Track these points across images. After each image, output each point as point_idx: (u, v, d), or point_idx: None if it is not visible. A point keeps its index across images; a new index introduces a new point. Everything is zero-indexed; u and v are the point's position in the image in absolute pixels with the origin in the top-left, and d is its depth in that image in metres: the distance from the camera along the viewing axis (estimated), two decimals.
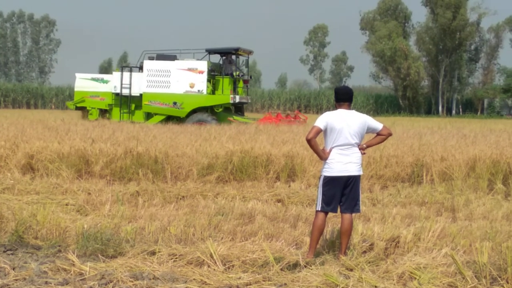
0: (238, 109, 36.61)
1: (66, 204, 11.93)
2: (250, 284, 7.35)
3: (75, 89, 36.57)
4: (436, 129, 28.36)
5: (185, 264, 7.99)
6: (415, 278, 7.53)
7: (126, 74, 35.12)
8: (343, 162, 8.47)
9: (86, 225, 9.35)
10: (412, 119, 59.57)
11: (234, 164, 15.44)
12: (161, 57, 35.60)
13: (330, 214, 9.31)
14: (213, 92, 34.21)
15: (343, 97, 8.74)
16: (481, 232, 9.86)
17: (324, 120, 8.55)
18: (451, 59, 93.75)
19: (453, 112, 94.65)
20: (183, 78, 33.84)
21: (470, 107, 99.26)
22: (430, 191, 14.01)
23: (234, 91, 34.33)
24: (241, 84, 35.59)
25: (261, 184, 14.72)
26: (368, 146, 8.85)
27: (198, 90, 33.65)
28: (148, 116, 34.71)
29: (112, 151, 15.72)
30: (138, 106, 35.02)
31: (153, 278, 7.43)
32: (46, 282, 7.26)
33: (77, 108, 36.52)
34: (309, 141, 8.46)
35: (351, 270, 7.88)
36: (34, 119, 31.34)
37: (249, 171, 15.38)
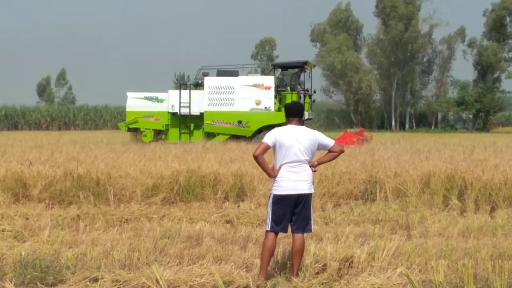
0: None
1: (2, 230, 11.72)
2: None
3: (127, 109, 35.84)
4: (389, 144, 28.67)
5: None
6: None
7: (185, 92, 34.46)
8: (293, 180, 8.50)
9: (24, 252, 9.22)
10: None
11: (181, 185, 15.38)
12: (223, 73, 34.85)
13: (281, 235, 9.32)
14: (279, 109, 33.33)
15: (293, 113, 8.81)
16: (436, 249, 9.98)
17: (272, 136, 8.59)
18: (403, 72, 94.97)
19: (407, 126, 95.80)
20: (249, 95, 33.02)
21: (423, 121, 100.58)
22: (384, 208, 14.14)
23: None
24: (307, 99, 34.75)
25: (209, 204, 14.68)
26: (319, 163, 8.90)
27: (265, 107, 32.89)
28: (209, 136, 33.84)
29: (51, 173, 15.52)
30: (197, 126, 34.27)
31: None
32: None
33: (129, 130, 35.75)
34: (256, 158, 8.47)
35: None
36: None
37: (196, 192, 15.33)
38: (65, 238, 10.69)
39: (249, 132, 32.94)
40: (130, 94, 35.98)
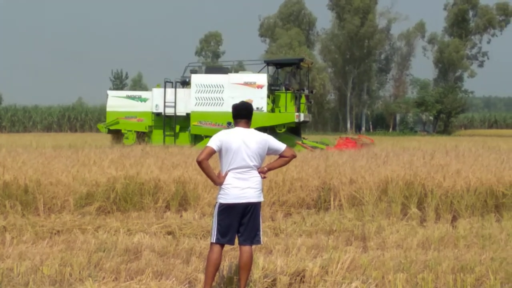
0: (295, 130, 35.18)
1: None
2: None
3: (107, 109, 35.45)
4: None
5: None
6: None
7: (170, 91, 34.00)
8: (241, 188, 8.50)
9: None
10: (318, 138, 60.34)
11: (118, 193, 15.28)
12: (212, 70, 34.91)
13: (228, 247, 9.33)
14: (273, 110, 33.23)
15: (241, 114, 8.80)
16: (394, 262, 10.08)
17: (218, 139, 8.58)
18: (359, 70, 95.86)
19: (363, 128, 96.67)
20: (239, 94, 32.01)
21: (381, 123, 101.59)
22: (339, 218, 14.23)
23: (298, 108, 33.33)
24: (303, 100, 34.45)
25: (148, 214, 14.62)
26: (269, 169, 8.90)
27: (257, 108, 31.96)
28: (196, 139, 33.49)
29: None
30: (184, 128, 33.91)
31: None
32: None
33: (110, 132, 35.32)
34: (200, 163, 8.45)
35: None
36: None
37: (134, 200, 15.25)
38: None
39: None
40: (110, 93, 35.90)
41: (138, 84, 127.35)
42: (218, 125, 32.50)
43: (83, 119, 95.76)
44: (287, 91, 33.68)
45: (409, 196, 15.48)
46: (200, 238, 12.34)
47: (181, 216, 14.55)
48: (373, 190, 15.59)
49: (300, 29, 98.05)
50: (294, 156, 8.98)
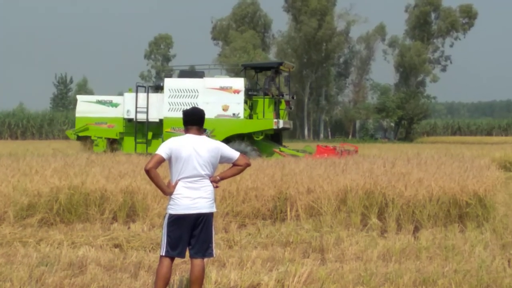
0: (275, 137, 34.93)
1: None
2: None
3: (77, 115, 34.86)
4: (301, 156, 28.92)
5: None
6: None
7: (142, 95, 33.52)
8: (192, 198, 8.49)
9: None
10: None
11: (61, 203, 15.17)
12: (186, 73, 34.23)
13: (178, 260, 9.30)
14: (250, 116, 32.88)
15: (192, 120, 8.80)
16: (354, 275, 10.13)
17: (167, 147, 8.55)
18: (317, 74, 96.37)
19: (321, 135, 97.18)
20: (214, 99, 32.17)
21: (340, 130, 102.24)
22: (296, 229, 14.27)
23: (277, 114, 33.00)
24: (283, 105, 34.20)
25: (94, 226, 14.54)
26: (222, 179, 8.91)
27: (233, 114, 32.14)
28: None
29: None
30: (156, 135, 33.32)
31: None
32: None
33: (79, 138, 34.81)
34: (148, 172, 8.42)
35: None
36: None
37: (79, 211, 15.16)
38: None
39: None
40: (80, 98, 35.53)
41: (83, 89, 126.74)
42: None
43: (24, 125, 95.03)
44: (265, 96, 33.40)
45: (369, 206, 15.55)
46: (149, 251, 12.28)
47: (129, 228, 14.49)
48: (332, 200, 15.65)
49: (255, 31, 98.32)
50: (248, 165, 8.99)
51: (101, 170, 17.86)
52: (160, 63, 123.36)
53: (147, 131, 33.60)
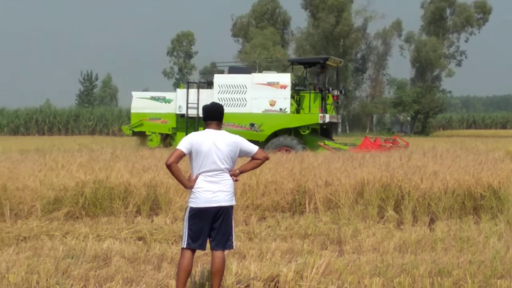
0: (325, 131, 34.67)
1: None
2: None
3: (132, 111, 35.19)
4: (320, 150, 28.86)
5: None
6: None
7: (193, 91, 33.62)
8: (212, 191, 8.50)
9: None
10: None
11: (87, 197, 15.23)
12: (235, 70, 34.34)
13: (199, 252, 9.31)
14: (297, 111, 32.73)
15: (211, 115, 8.80)
16: (370, 266, 10.10)
17: (188, 142, 8.57)
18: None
19: (339, 130, 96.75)
20: (262, 95, 32.08)
21: (358, 124, 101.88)
22: (314, 221, 14.26)
23: (323, 109, 32.75)
24: (330, 100, 33.84)
25: (118, 219, 14.57)
26: (241, 172, 8.92)
27: (280, 109, 31.95)
28: None
29: None
30: None
31: None
32: None
33: (134, 134, 35.17)
34: (169, 166, 8.45)
35: None
36: None
37: (104, 205, 15.20)
38: None
39: (262, 136, 32.09)
40: (135, 94, 35.53)
41: (108, 86, 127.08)
42: (241, 126, 32.04)
43: (51, 121, 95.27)
44: (311, 92, 33.17)
45: (386, 199, 15.52)
46: (172, 244, 12.30)
47: (152, 221, 14.51)
48: (349, 193, 15.63)
49: (274, 28, 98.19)
50: (266, 158, 8.99)
51: (125, 165, 17.91)
52: (182, 60, 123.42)
53: (198, 126, 33.47)
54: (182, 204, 14.89)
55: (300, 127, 32.36)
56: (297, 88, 33.54)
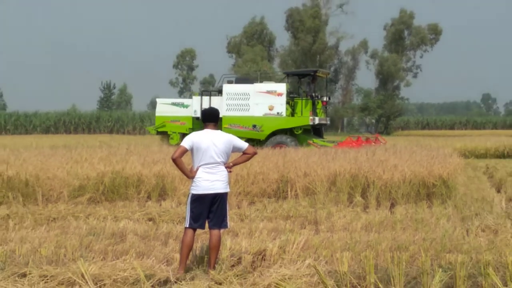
0: (317, 131, 34.87)
1: None
2: None
3: (156, 114, 35.20)
4: (300, 147, 28.83)
5: (57, 285, 7.80)
6: None
7: (206, 98, 33.60)
8: (210, 180, 8.52)
9: None
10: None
11: (106, 185, 15.22)
12: (240, 80, 34.52)
13: (199, 231, 9.31)
14: (292, 114, 32.87)
15: (209, 118, 8.86)
16: (341, 243, 10.12)
17: (190, 140, 8.61)
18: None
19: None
20: (263, 101, 32.35)
21: (331, 125, 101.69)
22: (295, 206, 14.27)
23: (313, 112, 33.04)
24: (319, 105, 34.20)
25: (132, 203, 14.57)
26: (234, 164, 8.95)
27: (278, 113, 32.19)
28: None
29: None
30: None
31: None
32: None
33: (158, 133, 35.32)
34: (174, 160, 8.48)
35: (220, 284, 7.91)
36: None
37: (120, 192, 15.20)
38: None
39: (262, 135, 32.35)
40: (159, 100, 35.65)
41: (124, 93, 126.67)
42: (245, 127, 32.38)
43: (76, 123, 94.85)
44: (303, 98, 33.40)
45: (354, 187, 15.55)
46: (177, 224, 12.30)
47: (160, 205, 14.51)
48: (324, 182, 15.65)
49: (262, 46, 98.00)
50: (255, 153, 9.04)
51: (138, 158, 17.86)
52: (185, 72, 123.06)
53: None
54: (185, 191, 14.88)
55: (294, 127, 32.60)
56: (291, 95, 33.82)
